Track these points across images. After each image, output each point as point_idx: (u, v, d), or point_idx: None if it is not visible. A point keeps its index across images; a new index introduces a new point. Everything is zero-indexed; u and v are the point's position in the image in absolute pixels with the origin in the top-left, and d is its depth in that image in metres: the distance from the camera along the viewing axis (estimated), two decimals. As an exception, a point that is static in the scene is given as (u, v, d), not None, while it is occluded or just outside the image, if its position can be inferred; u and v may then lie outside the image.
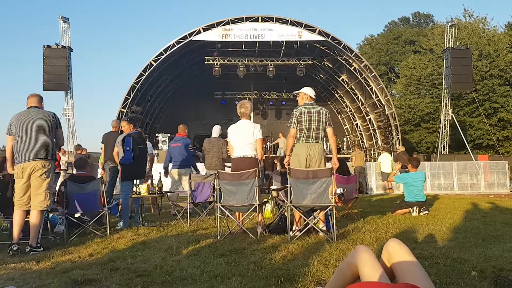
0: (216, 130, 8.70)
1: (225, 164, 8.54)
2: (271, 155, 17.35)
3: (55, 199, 6.34)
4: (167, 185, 8.40)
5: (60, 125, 5.32)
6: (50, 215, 6.09)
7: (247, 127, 5.82)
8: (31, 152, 4.86)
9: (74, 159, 11.36)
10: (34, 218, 4.83)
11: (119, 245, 4.93)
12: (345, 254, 3.96)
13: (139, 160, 6.93)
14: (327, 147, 12.70)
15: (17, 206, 4.87)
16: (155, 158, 13.05)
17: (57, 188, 6.29)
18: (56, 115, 5.26)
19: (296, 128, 5.53)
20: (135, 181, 6.72)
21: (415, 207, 7.58)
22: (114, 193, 8.68)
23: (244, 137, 5.76)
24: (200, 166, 11.02)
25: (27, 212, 4.95)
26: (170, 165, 8.80)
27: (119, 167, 7.26)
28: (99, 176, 8.65)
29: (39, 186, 4.87)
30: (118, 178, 8.06)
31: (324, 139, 5.83)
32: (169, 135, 20.15)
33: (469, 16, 31.09)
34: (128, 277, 3.36)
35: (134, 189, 6.53)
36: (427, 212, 7.53)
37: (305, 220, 5.31)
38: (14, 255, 4.53)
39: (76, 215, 5.93)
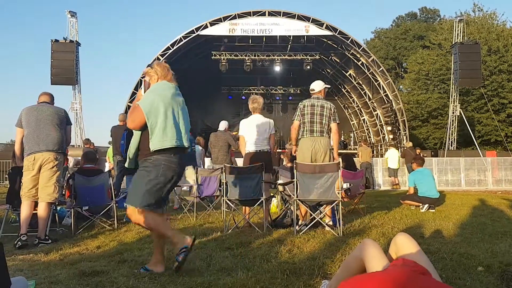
0: (222, 125, 8.73)
1: (234, 158, 8.55)
2: (277, 150, 17.34)
3: (63, 192, 6.40)
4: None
5: (70, 122, 5.36)
6: (58, 208, 6.14)
7: (262, 122, 5.84)
8: (43, 143, 4.87)
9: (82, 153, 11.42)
10: (42, 211, 4.86)
11: (126, 238, 4.97)
12: (351, 248, 3.96)
13: None
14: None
15: (25, 197, 4.86)
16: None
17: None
18: (67, 112, 5.31)
19: (300, 121, 5.57)
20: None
21: (426, 204, 7.52)
22: (122, 187, 8.73)
23: (259, 132, 5.78)
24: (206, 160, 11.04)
25: (35, 204, 4.97)
26: None
27: None
28: (106, 169, 8.69)
29: (49, 179, 4.89)
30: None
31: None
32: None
33: (479, 10, 30.81)
34: (136, 269, 3.39)
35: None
36: (433, 210, 7.47)
37: (311, 215, 5.31)
38: (22, 246, 4.54)
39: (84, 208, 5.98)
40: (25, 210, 4.84)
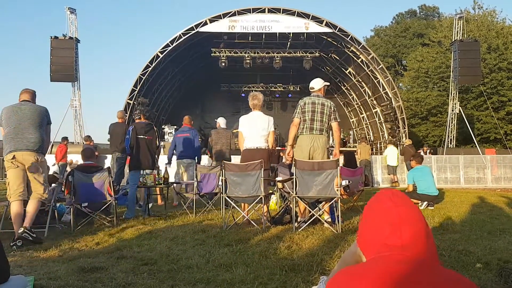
0: (223, 122, 8.72)
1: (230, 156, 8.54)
2: (276, 148, 17.34)
3: (63, 189, 6.39)
4: (171, 175, 8.40)
5: (50, 121, 5.13)
6: (58, 204, 6.14)
7: (262, 119, 5.83)
8: (23, 142, 4.71)
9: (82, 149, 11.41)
10: (30, 206, 4.73)
11: (125, 235, 4.98)
12: (350, 245, 3.97)
13: (138, 150, 6.79)
14: (332, 141, 12.61)
15: (13, 197, 4.68)
16: (161, 149, 13.10)
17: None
18: (48, 111, 5.09)
19: (300, 119, 5.54)
20: (142, 171, 6.73)
21: (425, 202, 7.53)
22: (121, 183, 8.73)
23: (259, 129, 5.77)
24: (204, 157, 11.01)
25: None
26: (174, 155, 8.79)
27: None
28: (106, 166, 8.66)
29: (37, 180, 4.78)
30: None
31: (330, 132, 5.82)
32: (175, 126, 20.22)
33: (479, 8, 30.79)
34: (135, 265, 3.40)
35: (141, 179, 6.56)
36: (432, 207, 7.47)
37: (310, 212, 5.32)
38: (19, 249, 4.48)
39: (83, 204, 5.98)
40: (14, 211, 4.66)
